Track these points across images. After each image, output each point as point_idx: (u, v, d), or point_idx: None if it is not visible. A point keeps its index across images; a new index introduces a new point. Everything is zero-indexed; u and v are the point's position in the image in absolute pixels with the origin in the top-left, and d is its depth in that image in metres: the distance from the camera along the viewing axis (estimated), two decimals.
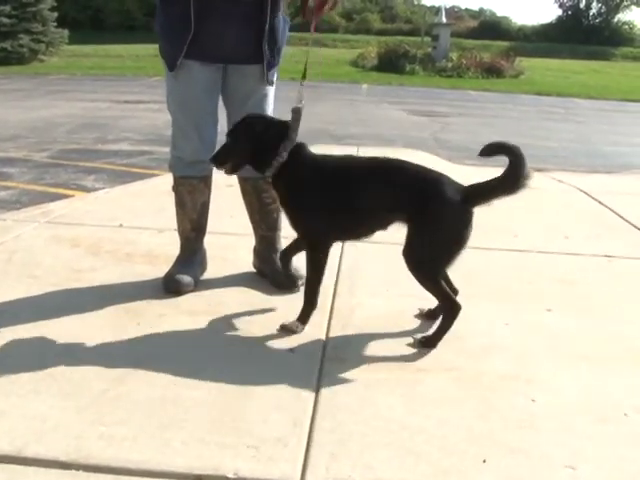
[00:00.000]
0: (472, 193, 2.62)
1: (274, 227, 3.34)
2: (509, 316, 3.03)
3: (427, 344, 2.68)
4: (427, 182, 2.63)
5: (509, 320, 2.99)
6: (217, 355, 2.56)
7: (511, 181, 2.57)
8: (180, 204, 3.24)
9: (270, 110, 3.21)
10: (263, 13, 2.97)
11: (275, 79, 3.20)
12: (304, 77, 2.87)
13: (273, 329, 2.75)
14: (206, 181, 3.23)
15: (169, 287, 3.10)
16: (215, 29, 2.92)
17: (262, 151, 2.73)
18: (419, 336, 2.73)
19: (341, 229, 2.79)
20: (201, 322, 2.80)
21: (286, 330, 2.74)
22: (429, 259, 2.65)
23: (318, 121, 10.87)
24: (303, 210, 2.75)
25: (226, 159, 2.79)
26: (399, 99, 15.38)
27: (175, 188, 3.25)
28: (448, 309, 2.70)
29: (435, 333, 2.71)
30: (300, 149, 2.77)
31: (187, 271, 3.16)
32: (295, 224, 2.78)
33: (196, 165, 3.14)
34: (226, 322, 2.84)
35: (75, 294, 3.09)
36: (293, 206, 2.76)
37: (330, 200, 2.68)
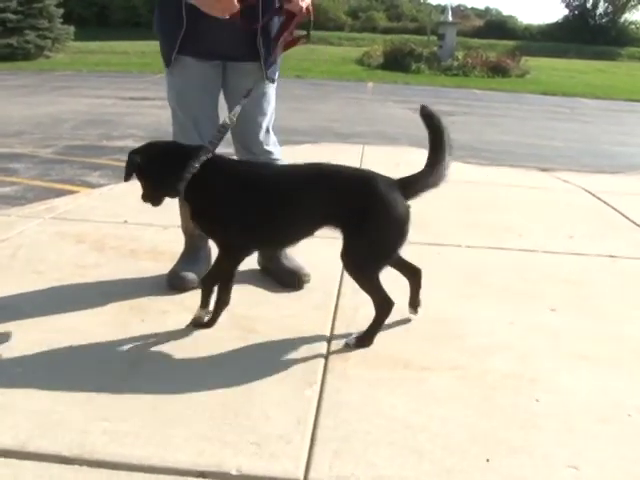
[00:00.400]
0: (405, 186, 2.60)
1: None
2: (513, 315, 3.03)
3: (361, 343, 2.64)
4: (360, 182, 2.58)
5: (513, 319, 2.99)
6: (220, 352, 2.57)
7: (432, 171, 2.59)
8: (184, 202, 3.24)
9: (271, 108, 3.21)
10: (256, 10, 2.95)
11: (276, 77, 3.19)
12: (246, 96, 2.86)
13: (277, 327, 2.76)
14: None
15: (173, 284, 3.11)
16: (207, 25, 2.91)
17: (158, 177, 2.67)
18: (352, 338, 2.68)
19: (259, 240, 2.75)
20: (205, 319, 2.80)
21: (195, 323, 2.75)
22: (371, 261, 2.59)
23: (323, 119, 10.87)
24: (215, 222, 2.70)
25: (144, 198, 2.77)
26: (404, 98, 15.35)
27: None
28: (382, 306, 2.65)
29: (368, 330, 2.66)
30: (214, 161, 2.68)
31: (191, 268, 3.17)
32: (210, 235, 2.77)
33: None
34: (230, 319, 2.84)
35: (79, 290, 3.10)
36: (205, 218, 2.71)
37: (243, 212, 2.63)
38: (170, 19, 2.97)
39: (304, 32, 3.01)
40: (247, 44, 2.99)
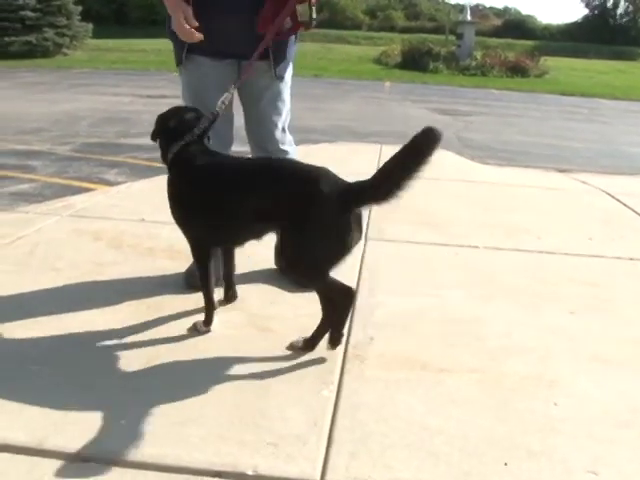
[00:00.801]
0: (353, 193, 2.35)
1: None
2: (531, 318, 3.01)
3: (335, 341, 2.54)
4: (301, 182, 2.39)
5: (531, 322, 2.96)
6: (236, 352, 2.57)
7: (382, 186, 2.34)
8: None
9: (286, 107, 3.19)
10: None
11: (287, 75, 3.16)
12: (236, 84, 2.90)
13: (294, 326, 2.75)
14: None
15: (190, 282, 3.11)
16: (217, 24, 2.90)
17: (163, 141, 2.75)
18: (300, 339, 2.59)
19: (205, 232, 2.68)
20: (221, 318, 2.80)
21: (194, 329, 2.72)
22: (310, 267, 2.43)
23: (340, 118, 10.86)
24: (174, 209, 2.70)
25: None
26: (422, 97, 15.31)
27: None
28: (342, 301, 2.50)
29: (337, 326, 2.54)
30: (187, 147, 2.66)
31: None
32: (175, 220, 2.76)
33: None
34: (246, 318, 2.84)
35: (96, 287, 3.12)
36: (170, 203, 2.71)
37: (188, 202, 2.62)
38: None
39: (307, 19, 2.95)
40: (257, 42, 2.94)
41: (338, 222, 2.34)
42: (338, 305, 2.51)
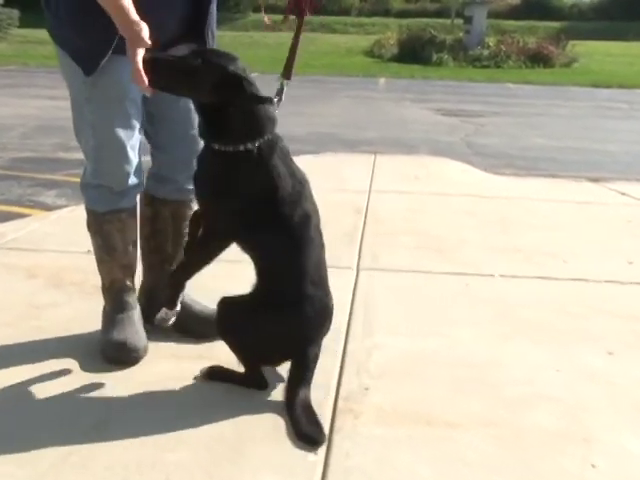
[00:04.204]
0: None
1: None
2: (559, 360, 3.04)
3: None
4: None
5: (559, 365, 2.99)
6: (206, 406, 2.58)
7: None
8: (107, 248, 3.00)
9: None
10: None
11: None
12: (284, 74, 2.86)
13: (274, 373, 2.76)
14: (135, 211, 3.07)
15: (119, 357, 2.91)
16: (150, 12, 2.56)
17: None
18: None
19: None
20: (188, 368, 2.82)
21: (159, 322, 2.75)
22: None
23: (326, 124, 10.94)
24: None
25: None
26: (424, 95, 15.44)
27: (97, 228, 3.00)
28: None
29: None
30: None
31: (132, 330, 2.99)
32: None
33: (128, 193, 2.97)
34: (217, 359, 2.85)
35: (33, 335, 3.11)
36: None
37: None
38: (96, 12, 2.54)
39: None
40: (192, 33, 2.89)
41: None
42: None
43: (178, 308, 2.75)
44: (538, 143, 9.88)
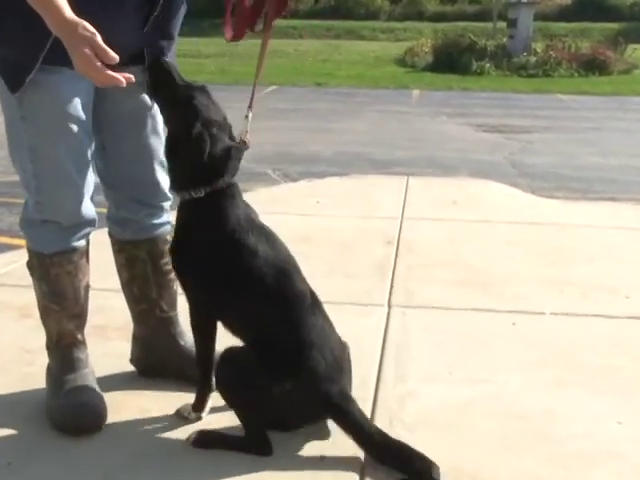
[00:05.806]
0: None
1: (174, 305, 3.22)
2: (621, 410, 3.01)
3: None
4: None
5: (621, 416, 2.97)
6: (210, 469, 2.58)
7: None
8: (55, 296, 2.88)
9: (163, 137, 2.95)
10: None
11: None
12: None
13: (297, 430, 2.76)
14: (88, 251, 2.98)
15: (79, 423, 2.79)
16: (92, 17, 2.42)
17: None
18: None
19: None
20: (202, 421, 2.83)
21: (178, 416, 2.82)
22: None
23: (353, 142, 10.95)
24: None
25: None
26: (462, 109, 15.45)
27: (43, 273, 2.87)
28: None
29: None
30: None
31: (88, 390, 2.89)
32: None
33: (79, 228, 2.86)
34: (228, 420, 2.86)
35: (27, 383, 3.11)
36: None
37: None
38: (26, 12, 2.40)
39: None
40: (139, 41, 2.79)
41: None
42: None
43: (204, 415, 2.82)
44: (594, 162, 9.84)
